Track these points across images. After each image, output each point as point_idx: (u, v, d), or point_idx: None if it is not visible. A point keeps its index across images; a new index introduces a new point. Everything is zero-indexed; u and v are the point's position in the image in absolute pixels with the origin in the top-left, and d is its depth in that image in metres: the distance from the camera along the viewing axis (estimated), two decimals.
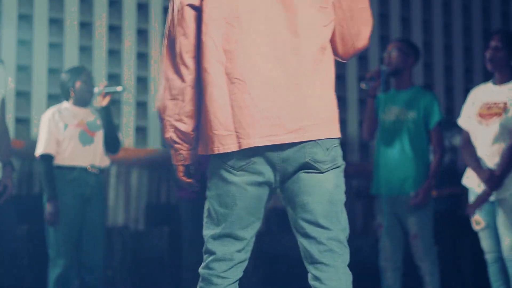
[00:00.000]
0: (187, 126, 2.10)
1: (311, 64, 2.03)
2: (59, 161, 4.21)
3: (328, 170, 2.04)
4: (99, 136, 4.31)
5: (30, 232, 4.82)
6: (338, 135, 2.06)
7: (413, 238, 4.36)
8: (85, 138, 4.25)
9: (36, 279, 4.77)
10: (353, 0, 2.11)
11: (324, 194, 2.03)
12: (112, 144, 4.35)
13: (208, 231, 2.10)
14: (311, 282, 2.06)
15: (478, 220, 3.98)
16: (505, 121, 3.89)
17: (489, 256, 3.98)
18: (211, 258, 2.09)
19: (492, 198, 3.92)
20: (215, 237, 2.08)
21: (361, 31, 2.14)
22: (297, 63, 2.02)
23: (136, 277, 5.27)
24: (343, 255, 2.05)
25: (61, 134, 4.21)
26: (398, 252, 4.40)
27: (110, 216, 5.48)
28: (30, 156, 4.46)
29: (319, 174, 2.03)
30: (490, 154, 3.92)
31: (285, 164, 2.03)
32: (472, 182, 4.05)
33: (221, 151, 2.03)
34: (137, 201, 5.68)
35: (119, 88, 4.42)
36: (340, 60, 2.21)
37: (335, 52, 2.15)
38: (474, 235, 4.14)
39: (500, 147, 3.89)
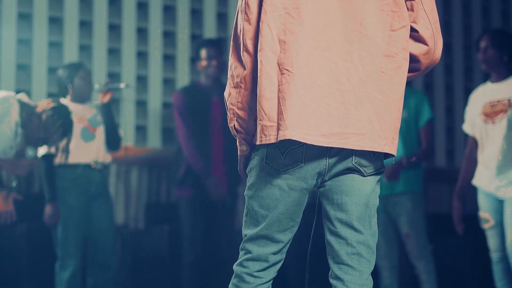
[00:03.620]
0: (248, 115, 2.06)
1: (368, 71, 1.97)
2: (62, 159, 4.19)
3: (370, 175, 2.02)
4: (100, 131, 4.30)
5: (29, 231, 4.82)
6: (382, 149, 1.99)
7: (406, 237, 4.40)
8: (87, 134, 4.24)
9: (36, 278, 4.76)
10: (433, 7, 2.07)
11: (362, 197, 2.01)
12: (113, 141, 4.34)
13: (246, 230, 2.08)
14: (333, 280, 2.04)
15: (486, 218, 3.97)
16: (510, 117, 3.88)
17: (494, 255, 3.97)
18: (246, 256, 2.08)
19: (501, 196, 3.90)
20: (252, 237, 2.06)
21: (438, 41, 2.09)
22: (347, 69, 1.97)
23: (136, 276, 5.26)
24: (370, 261, 2.03)
25: None
26: (393, 251, 4.45)
27: None
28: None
29: (361, 177, 2.01)
30: (498, 151, 3.90)
31: (330, 169, 2.00)
32: (479, 180, 4.03)
33: (263, 142, 1.99)
34: (137, 200, 5.68)
35: (121, 85, 4.41)
36: (410, 77, 2.13)
37: (413, 62, 2.08)
38: (474, 235, 4.14)
39: (508, 143, 3.88)
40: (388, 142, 1.99)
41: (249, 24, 2.05)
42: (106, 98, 4.34)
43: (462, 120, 6.80)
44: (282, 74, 1.98)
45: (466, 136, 6.17)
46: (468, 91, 6.80)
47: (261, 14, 2.02)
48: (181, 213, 4.62)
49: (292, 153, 1.99)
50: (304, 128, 1.94)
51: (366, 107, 1.97)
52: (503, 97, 3.94)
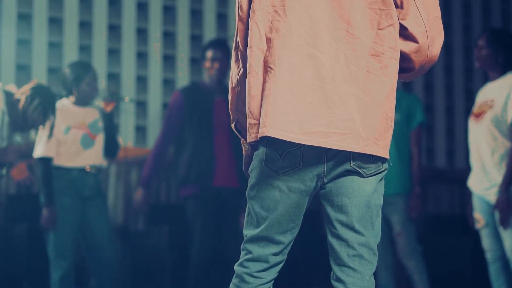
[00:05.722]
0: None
1: (353, 71, 1.94)
2: (58, 161, 4.17)
3: (370, 176, 1.98)
4: (100, 138, 4.29)
5: (29, 231, 4.82)
6: (363, 150, 1.94)
7: (398, 236, 4.45)
8: (87, 141, 4.23)
9: (35, 278, 4.76)
10: (427, 3, 2.00)
11: (363, 198, 1.98)
12: (111, 149, 4.35)
13: (247, 231, 2.07)
14: (334, 283, 2.02)
15: (478, 218, 3.98)
16: (491, 117, 3.89)
17: (489, 255, 3.98)
18: (246, 257, 2.06)
19: (489, 199, 3.91)
20: (253, 238, 2.05)
21: (435, 37, 2.02)
22: (332, 68, 1.93)
23: (136, 277, 5.26)
24: (372, 262, 2.00)
25: (62, 135, 4.17)
26: (388, 250, 4.48)
27: (109, 216, 5.47)
28: (29, 156, 4.44)
29: (361, 178, 1.97)
30: (482, 152, 3.93)
31: (329, 171, 1.98)
32: (470, 182, 4.06)
33: (249, 140, 2.00)
34: None
35: (126, 99, 4.46)
36: (404, 77, 2.08)
37: (406, 61, 2.03)
38: (474, 235, 4.15)
39: (489, 144, 3.89)
40: (371, 143, 1.94)
41: (242, 24, 2.05)
42: (109, 108, 4.34)
43: (462, 120, 6.81)
44: (266, 72, 1.97)
45: (466, 136, 6.20)
46: (468, 91, 6.81)
47: (250, 13, 2.01)
48: (188, 213, 4.58)
49: (290, 155, 1.96)
50: (284, 126, 1.92)
51: (349, 106, 1.93)
52: (490, 98, 3.95)
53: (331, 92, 1.93)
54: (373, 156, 1.97)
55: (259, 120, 1.96)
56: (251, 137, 1.99)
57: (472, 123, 4.03)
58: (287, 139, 1.92)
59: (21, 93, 3.74)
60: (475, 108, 4.03)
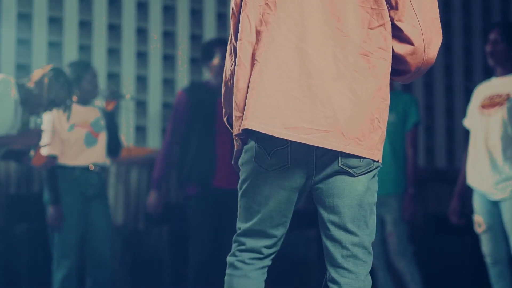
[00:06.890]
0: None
1: (340, 69, 1.92)
2: (61, 160, 4.19)
3: (361, 175, 1.97)
4: (103, 136, 4.31)
5: (29, 231, 4.82)
6: (344, 149, 1.92)
7: (389, 236, 4.46)
8: (90, 139, 4.24)
9: (35, 278, 4.76)
10: (423, 4, 1.97)
11: (355, 197, 1.97)
12: (114, 147, 4.36)
13: (239, 224, 2.08)
14: (330, 283, 2.01)
15: (479, 222, 3.96)
16: (508, 110, 3.86)
17: (488, 259, 3.97)
18: (239, 247, 2.07)
19: (495, 197, 3.89)
20: (246, 231, 2.06)
21: (432, 39, 1.98)
22: (320, 64, 1.92)
23: (136, 276, 5.26)
24: (367, 262, 2.00)
25: (66, 133, 4.18)
26: (383, 250, 4.48)
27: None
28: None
29: (351, 178, 1.96)
30: (492, 144, 3.89)
31: (318, 171, 1.97)
32: (472, 179, 4.02)
33: (233, 134, 2.01)
34: (136, 200, 5.67)
35: (127, 96, 4.45)
36: (400, 79, 2.05)
37: (401, 63, 2.00)
38: (474, 235, 4.14)
39: (502, 137, 3.86)
40: (352, 142, 1.92)
41: (235, 17, 2.06)
42: (110, 106, 4.35)
43: (462, 120, 6.80)
44: (253, 64, 1.97)
45: (466, 136, 6.17)
46: (468, 91, 6.79)
47: (242, 6, 2.02)
48: (189, 212, 4.59)
49: (277, 154, 1.96)
50: (267, 120, 1.91)
51: (334, 104, 1.91)
52: (503, 92, 3.92)
53: (317, 88, 1.91)
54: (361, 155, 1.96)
55: (242, 113, 1.96)
56: (235, 129, 2.00)
57: (479, 114, 3.96)
58: (268, 132, 1.91)
59: (42, 75, 3.79)
60: (483, 101, 3.98)
